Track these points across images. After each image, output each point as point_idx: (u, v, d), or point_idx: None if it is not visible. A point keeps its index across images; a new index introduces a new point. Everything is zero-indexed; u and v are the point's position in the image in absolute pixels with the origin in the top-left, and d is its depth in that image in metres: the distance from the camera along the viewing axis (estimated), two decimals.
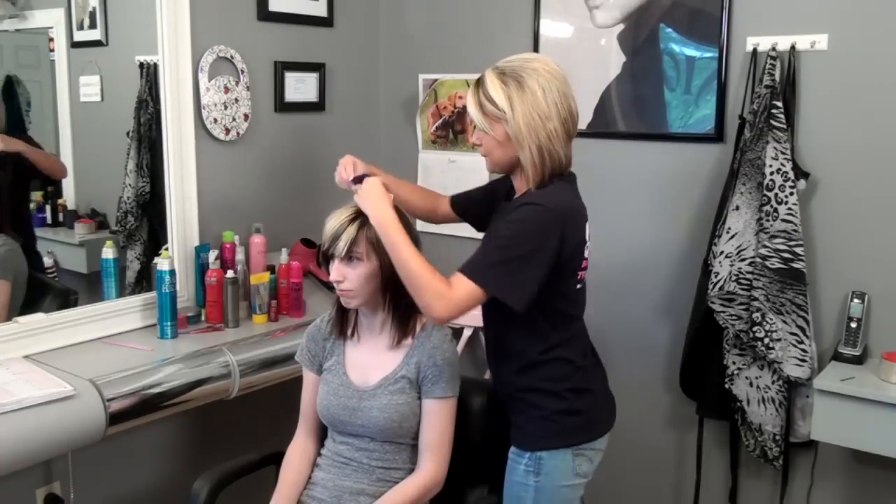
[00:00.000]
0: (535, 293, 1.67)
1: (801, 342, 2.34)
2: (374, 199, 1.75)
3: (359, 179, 1.84)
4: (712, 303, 2.41)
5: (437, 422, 1.82)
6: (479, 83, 1.75)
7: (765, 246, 2.32)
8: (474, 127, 1.78)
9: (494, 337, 1.88)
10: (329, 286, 2.39)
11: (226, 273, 2.49)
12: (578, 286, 1.82)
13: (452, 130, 3.12)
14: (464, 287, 1.64)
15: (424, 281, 1.65)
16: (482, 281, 1.65)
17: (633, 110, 2.70)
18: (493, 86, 1.71)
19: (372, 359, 1.88)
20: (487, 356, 1.95)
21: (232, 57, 2.66)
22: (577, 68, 2.79)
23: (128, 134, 2.58)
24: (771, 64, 2.35)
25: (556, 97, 1.71)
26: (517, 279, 1.66)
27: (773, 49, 2.37)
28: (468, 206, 2.10)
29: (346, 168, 1.91)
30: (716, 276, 2.40)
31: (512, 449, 1.84)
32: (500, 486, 1.92)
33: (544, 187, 1.74)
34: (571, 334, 1.83)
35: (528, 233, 1.67)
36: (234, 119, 2.68)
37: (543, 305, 1.73)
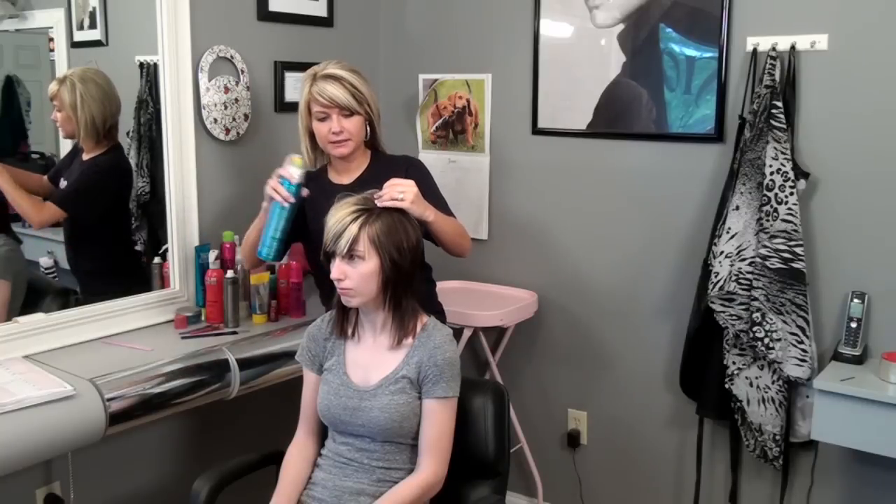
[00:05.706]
0: None
1: (801, 342, 2.34)
2: (423, 200, 1.95)
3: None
4: (712, 303, 2.41)
5: (437, 422, 1.82)
6: (337, 79, 2.16)
7: (765, 246, 2.32)
8: (322, 119, 2.17)
9: None
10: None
11: (226, 273, 2.48)
12: None
13: (452, 130, 3.12)
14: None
15: (465, 229, 2.23)
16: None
17: (634, 110, 2.70)
18: (354, 78, 2.19)
19: (372, 358, 1.88)
20: None
21: (232, 57, 2.66)
22: (577, 68, 2.80)
23: (128, 134, 2.57)
24: (771, 64, 2.35)
25: None
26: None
27: (773, 49, 2.37)
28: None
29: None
30: (716, 276, 2.41)
31: None
32: (502, 486, 1.93)
33: (384, 154, 2.36)
34: None
35: (431, 175, 2.33)
36: (234, 119, 2.68)
37: None
